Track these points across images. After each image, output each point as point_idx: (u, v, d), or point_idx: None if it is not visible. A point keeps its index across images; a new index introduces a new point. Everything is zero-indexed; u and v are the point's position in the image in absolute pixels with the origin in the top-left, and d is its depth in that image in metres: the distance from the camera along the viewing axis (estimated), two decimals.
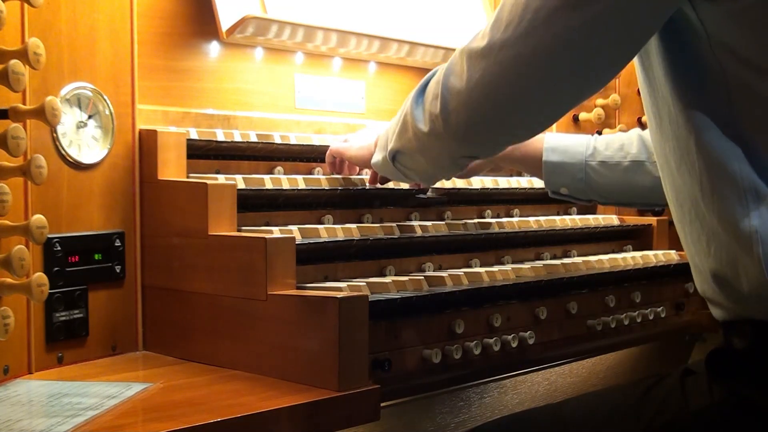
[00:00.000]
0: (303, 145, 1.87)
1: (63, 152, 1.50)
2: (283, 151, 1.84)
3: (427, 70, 2.30)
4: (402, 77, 2.27)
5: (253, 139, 1.79)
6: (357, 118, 2.14)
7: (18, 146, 1.24)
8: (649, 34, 1.27)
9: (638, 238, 2.29)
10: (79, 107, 1.54)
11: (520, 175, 2.23)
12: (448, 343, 1.52)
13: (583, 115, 2.48)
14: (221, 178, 1.63)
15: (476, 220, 1.99)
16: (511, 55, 1.29)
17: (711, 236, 1.28)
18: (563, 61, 1.27)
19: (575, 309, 1.76)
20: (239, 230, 1.55)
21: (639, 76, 1.39)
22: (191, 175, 1.64)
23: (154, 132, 1.60)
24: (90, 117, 1.56)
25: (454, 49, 2.20)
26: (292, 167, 1.85)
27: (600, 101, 2.47)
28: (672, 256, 2.15)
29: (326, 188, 1.78)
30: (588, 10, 1.21)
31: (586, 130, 2.46)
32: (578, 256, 2.09)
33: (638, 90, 2.44)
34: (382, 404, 1.36)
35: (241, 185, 1.63)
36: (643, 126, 2.45)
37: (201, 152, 1.69)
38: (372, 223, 1.79)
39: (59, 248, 1.48)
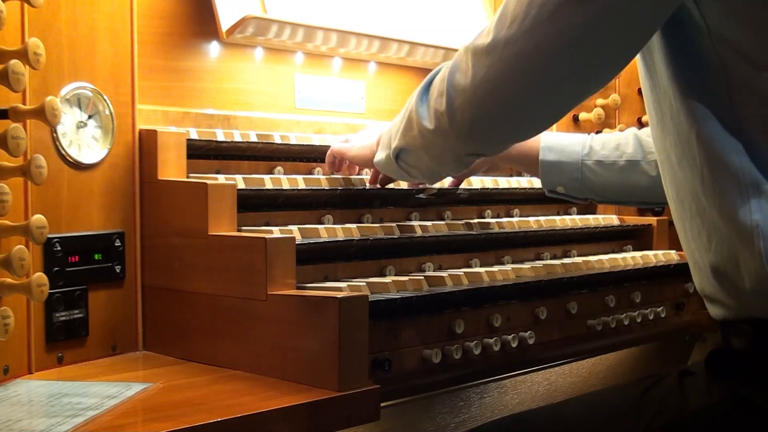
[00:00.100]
0: (303, 145, 1.87)
1: (63, 152, 1.50)
2: (283, 151, 1.84)
3: (427, 70, 2.30)
4: (402, 77, 2.27)
5: (253, 139, 1.79)
6: (357, 118, 2.14)
7: (18, 146, 1.24)
8: (652, 30, 1.27)
9: (638, 238, 2.29)
10: (79, 107, 1.54)
11: (520, 175, 2.23)
12: (448, 343, 1.52)
13: (583, 115, 2.48)
14: (221, 178, 1.63)
15: (476, 220, 1.99)
16: (515, 52, 1.29)
17: (712, 231, 1.28)
18: (567, 58, 1.27)
19: (575, 309, 1.76)
20: (239, 230, 1.55)
21: (641, 71, 1.39)
22: (191, 175, 1.64)
23: (154, 132, 1.60)
24: (90, 117, 1.56)
25: (454, 49, 2.22)
26: (292, 167, 1.85)
27: (600, 101, 2.47)
28: (672, 256, 2.15)
29: (326, 188, 1.78)
30: (592, 5, 1.21)
31: (586, 130, 2.46)
32: (578, 256, 2.09)
33: (638, 90, 2.45)
34: (382, 404, 1.36)
35: (241, 185, 1.63)
36: (642, 126, 2.45)
37: (201, 152, 1.69)
38: (372, 223, 1.79)
39: (59, 248, 1.48)
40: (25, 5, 1.35)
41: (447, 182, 1.95)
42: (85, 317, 1.52)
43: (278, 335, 1.39)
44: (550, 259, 2.03)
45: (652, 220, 2.31)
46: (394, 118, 1.64)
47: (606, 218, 2.26)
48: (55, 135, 1.50)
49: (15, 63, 1.25)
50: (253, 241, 1.43)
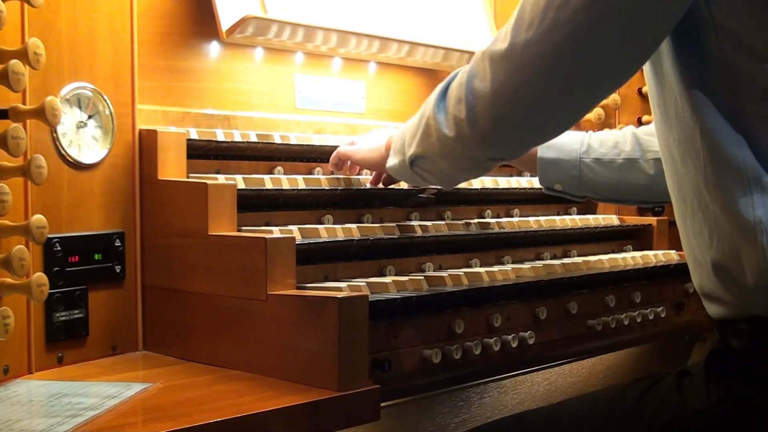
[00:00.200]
0: (303, 145, 1.87)
1: (63, 152, 1.50)
2: (283, 151, 1.84)
3: (428, 70, 2.32)
4: (402, 77, 2.27)
5: (253, 139, 1.79)
6: (357, 118, 2.14)
7: (18, 146, 1.24)
8: (669, 26, 1.26)
9: (638, 238, 2.29)
10: (79, 107, 1.54)
11: (520, 174, 2.23)
12: (448, 343, 1.52)
13: None
14: (221, 178, 1.63)
15: (476, 220, 1.99)
16: (533, 55, 1.29)
17: (713, 227, 1.28)
18: (586, 58, 1.28)
19: (575, 309, 1.76)
20: (239, 230, 1.55)
21: (646, 67, 1.40)
22: (191, 175, 1.64)
23: (154, 132, 1.60)
24: (90, 117, 1.56)
25: (454, 49, 2.23)
26: (292, 167, 1.85)
27: None
28: (672, 256, 2.15)
29: (326, 188, 1.78)
30: (609, 7, 1.22)
31: (587, 130, 2.45)
32: (578, 256, 2.09)
33: (639, 89, 2.45)
34: (382, 404, 1.36)
35: (241, 185, 1.63)
36: (642, 125, 2.45)
37: (201, 152, 1.69)
38: (372, 223, 1.79)
39: (59, 248, 1.48)
40: (25, 5, 1.35)
41: None
42: (85, 317, 1.52)
43: (278, 335, 1.39)
44: (550, 259, 2.03)
45: (652, 220, 2.31)
46: (406, 122, 1.64)
47: (606, 218, 2.26)
48: (55, 135, 1.50)
49: (15, 63, 1.25)
50: (253, 241, 1.43)
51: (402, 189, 1.89)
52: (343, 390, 1.30)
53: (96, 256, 1.55)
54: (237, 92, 1.93)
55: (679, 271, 2.01)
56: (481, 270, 1.72)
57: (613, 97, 2.46)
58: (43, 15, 1.46)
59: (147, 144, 1.61)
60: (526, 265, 1.82)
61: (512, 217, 2.14)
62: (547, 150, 1.85)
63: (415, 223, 1.83)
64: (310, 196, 1.74)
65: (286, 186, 1.71)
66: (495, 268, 1.76)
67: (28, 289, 1.28)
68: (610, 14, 1.24)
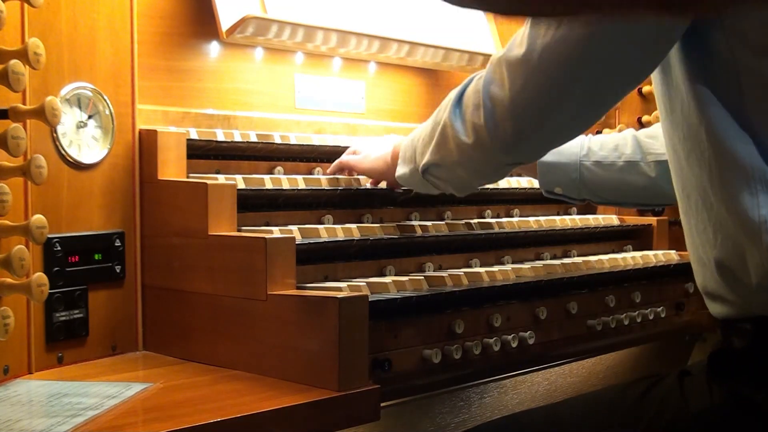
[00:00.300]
0: (303, 145, 1.87)
1: (63, 152, 1.50)
2: (283, 151, 1.84)
3: (427, 71, 2.32)
4: (402, 77, 2.27)
5: (253, 139, 1.79)
6: (357, 118, 2.14)
7: (18, 146, 1.24)
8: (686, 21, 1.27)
9: (638, 238, 2.29)
10: (79, 107, 1.54)
11: (519, 174, 2.23)
12: (448, 343, 1.52)
13: None
14: (221, 178, 1.63)
15: (476, 220, 1.98)
16: (551, 59, 1.30)
17: (718, 226, 1.28)
18: (604, 59, 1.29)
19: (575, 309, 1.76)
20: (239, 230, 1.55)
21: None
22: (191, 175, 1.64)
23: (154, 132, 1.60)
24: (90, 117, 1.56)
25: (454, 49, 2.23)
26: (292, 167, 1.85)
27: None
28: (672, 256, 2.15)
29: (326, 188, 1.78)
30: None
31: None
32: (578, 256, 2.09)
33: (639, 90, 2.45)
34: (382, 404, 1.36)
35: (241, 185, 1.63)
36: (642, 126, 2.45)
37: (201, 152, 1.69)
38: (372, 223, 1.79)
39: (59, 248, 1.48)
40: (25, 5, 1.35)
41: None
42: (85, 317, 1.52)
43: (278, 335, 1.39)
44: (550, 259, 2.03)
45: (652, 220, 2.31)
46: (414, 131, 1.64)
47: (606, 218, 2.26)
48: (55, 135, 1.50)
49: (15, 63, 1.25)
50: (253, 241, 1.43)
51: (402, 189, 1.88)
52: (343, 390, 1.30)
53: (96, 256, 1.54)
54: (237, 92, 1.93)
55: (679, 271, 2.01)
56: (481, 270, 1.72)
57: None
58: (43, 15, 1.46)
59: (147, 144, 1.61)
60: (526, 265, 1.82)
61: (512, 217, 2.14)
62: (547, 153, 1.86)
63: (415, 223, 1.83)
64: (310, 196, 1.74)
65: (286, 186, 1.71)
66: (495, 268, 1.76)
67: (28, 289, 1.28)
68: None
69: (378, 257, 1.69)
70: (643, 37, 1.27)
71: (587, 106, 1.37)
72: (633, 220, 2.32)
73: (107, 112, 1.58)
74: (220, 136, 1.74)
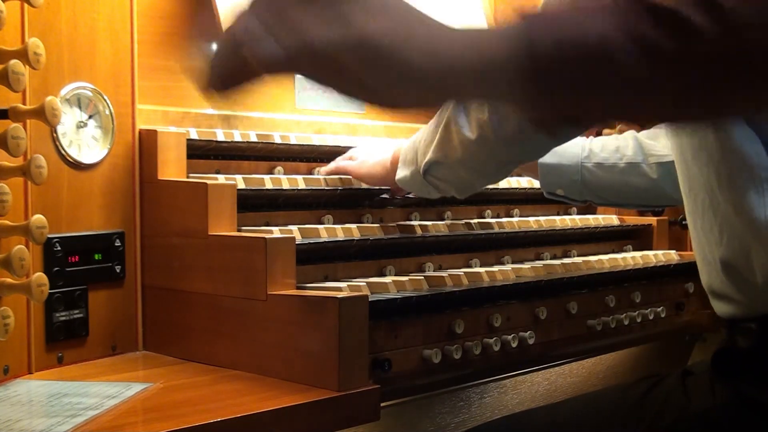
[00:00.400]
0: (303, 145, 1.87)
1: (63, 152, 1.50)
2: (283, 151, 1.84)
3: None
4: None
5: (253, 139, 1.79)
6: (357, 118, 2.14)
7: (18, 146, 1.24)
8: None
9: (638, 238, 2.29)
10: (79, 107, 1.54)
11: (519, 174, 2.23)
12: (448, 343, 1.52)
13: None
14: (221, 178, 1.63)
15: (476, 220, 1.98)
16: None
17: (724, 226, 1.28)
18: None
19: (575, 309, 1.76)
20: (239, 230, 1.55)
21: None
22: (191, 175, 1.64)
23: (154, 132, 1.60)
24: (90, 117, 1.56)
25: None
26: (292, 167, 1.85)
27: None
28: (672, 256, 2.15)
29: (326, 188, 1.78)
30: None
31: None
32: (578, 256, 2.09)
33: None
34: (382, 404, 1.36)
35: (241, 185, 1.63)
36: (642, 125, 2.44)
37: (201, 152, 1.69)
38: (372, 223, 1.79)
39: (59, 248, 1.48)
40: (25, 5, 1.35)
41: None
42: (85, 317, 1.52)
43: (278, 335, 1.39)
44: (550, 259, 2.03)
45: (652, 220, 2.31)
46: (416, 134, 1.64)
47: (606, 218, 2.26)
48: (55, 135, 1.50)
49: (15, 63, 1.25)
50: (253, 241, 1.43)
51: None
52: (343, 390, 1.30)
53: (96, 256, 1.54)
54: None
55: (679, 271, 2.01)
56: (481, 270, 1.72)
57: None
58: (43, 15, 1.46)
59: (147, 144, 1.61)
60: (526, 265, 1.82)
61: (512, 217, 2.14)
62: (548, 155, 1.85)
63: (415, 223, 1.83)
64: (310, 196, 1.74)
65: (286, 186, 1.71)
66: (495, 268, 1.76)
67: (28, 289, 1.28)
68: None
69: (378, 257, 1.69)
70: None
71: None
72: (633, 220, 2.33)
73: (107, 112, 1.58)
74: (220, 136, 1.74)
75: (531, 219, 2.09)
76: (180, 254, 1.55)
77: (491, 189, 2.08)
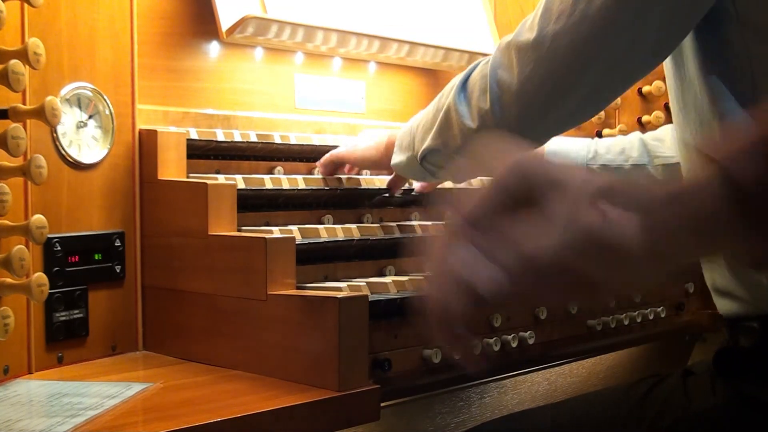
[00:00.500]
0: (303, 145, 1.87)
1: (63, 152, 1.50)
2: (283, 151, 1.84)
3: (427, 70, 2.32)
4: (402, 77, 2.27)
5: (253, 139, 1.79)
6: (357, 118, 2.14)
7: (18, 146, 1.24)
8: (700, 12, 1.26)
9: None
10: (79, 107, 1.54)
11: None
12: None
13: None
14: (221, 178, 1.63)
15: None
16: (563, 45, 1.29)
17: None
18: (616, 48, 1.28)
19: (575, 309, 1.76)
20: (239, 230, 1.55)
21: (667, 60, 1.39)
22: (191, 175, 1.64)
23: (154, 132, 1.60)
24: (90, 117, 1.56)
25: (454, 49, 2.23)
26: (292, 167, 1.85)
27: None
28: None
29: (326, 188, 1.78)
30: None
31: (586, 130, 2.46)
32: None
33: (639, 90, 2.45)
34: (382, 404, 1.36)
35: (241, 185, 1.63)
36: (643, 126, 2.45)
37: (201, 152, 1.69)
38: (372, 223, 1.79)
39: (59, 248, 1.48)
40: (25, 5, 1.35)
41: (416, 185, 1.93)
42: (85, 317, 1.52)
43: (278, 335, 1.38)
44: None
45: None
46: (413, 118, 1.63)
47: None
48: (55, 135, 1.50)
49: (15, 63, 1.25)
50: (253, 241, 1.43)
51: (402, 188, 1.89)
52: (343, 390, 1.30)
53: (96, 256, 1.54)
54: (237, 92, 1.93)
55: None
56: None
57: None
58: (43, 15, 1.46)
59: (147, 144, 1.61)
60: None
61: None
62: (553, 157, 1.85)
63: (415, 223, 1.83)
64: (310, 196, 1.74)
65: (286, 186, 1.71)
66: None
67: (28, 289, 1.28)
68: (640, 5, 1.23)
69: (378, 257, 1.69)
70: (656, 27, 1.26)
71: (595, 94, 1.36)
72: None
73: (107, 112, 1.58)
74: (220, 136, 1.74)
75: None
76: (180, 254, 1.55)
77: None
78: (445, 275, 0.88)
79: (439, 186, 1.94)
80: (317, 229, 1.62)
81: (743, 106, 1.24)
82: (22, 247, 1.26)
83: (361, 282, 1.51)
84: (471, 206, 0.83)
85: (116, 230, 1.58)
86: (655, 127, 2.37)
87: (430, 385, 1.56)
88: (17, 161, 1.29)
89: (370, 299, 1.37)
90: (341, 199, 1.80)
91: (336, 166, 1.83)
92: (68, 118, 1.52)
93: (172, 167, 1.61)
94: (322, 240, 1.59)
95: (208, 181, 1.52)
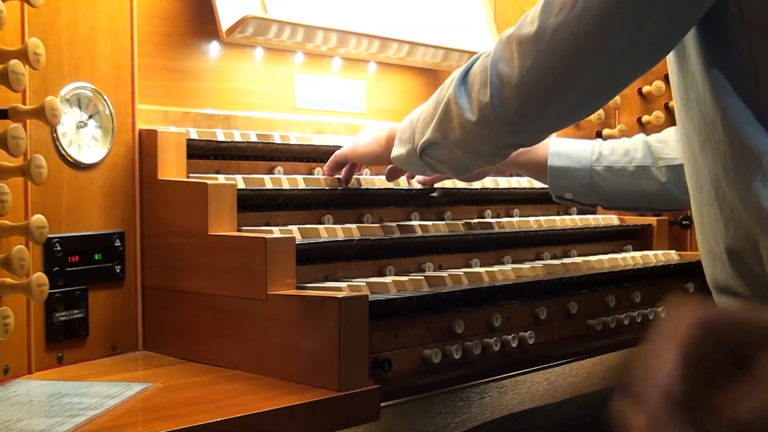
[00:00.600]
0: (303, 145, 1.87)
1: (63, 152, 1.50)
2: (283, 151, 1.84)
3: (428, 70, 2.32)
4: (402, 77, 2.27)
5: (253, 139, 1.79)
6: (357, 118, 2.14)
7: (18, 146, 1.24)
8: (704, 8, 1.26)
9: (638, 238, 2.29)
10: (79, 107, 1.54)
11: (519, 175, 2.23)
12: (448, 343, 1.52)
13: None
14: (221, 178, 1.63)
15: (476, 220, 1.98)
16: (564, 38, 1.29)
17: (730, 217, 1.28)
18: (618, 42, 1.27)
19: (575, 309, 1.76)
20: (239, 230, 1.55)
21: (670, 54, 1.39)
22: (191, 175, 1.64)
23: (154, 132, 1.60)
24: (90, 117, 1.56)
25: (454, 49, 2.23)
26: (292, 167, 1.85)
27: None
28: (672, 256, 2.15)
29: (326, 188, 1.78)
30: None
31: (586, 130, 2.46)
32: (578, 256, 2.09)
33: (638, 90, 2.45)
34: (382, 404, 1.36)
35: (241, 185, 1.63)
36: (643, 126, 2.45)
37: (201, 152, 1.69)
38: (372, 223, 1.79)
39: (59, 248, 1.48)
40: (25, 5, 1.35)
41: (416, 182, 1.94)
42: (85, 317, 1.52)
43: (278, 335, 1.39)
44: (550, 259, 2.03)
45: (652, 220, 2.31)
46: (413, 112, 1.63)
47: (606, 218, 2.26)
48: (55, 135, 1.50)
49: (15, 63, 1.25)
50: (253, 241, 1.43)
51: (402, 189, 1.89)
52: (343, 390, 1.30)
53: (96, 256, 1.55)
54: (237, 92, 1.93)
55: (679, 271, 2.01)
56: (481, 270, 1.72)
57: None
58: (43, 15, 1.46)
59: (147, 144, 1.61)
60: (526, 265, 1.82)
61: (512, 217, 2.14)
62: (557, 159, 1.85)
63: (415, 223, 1.83)
64: (310, 196, 1.74)
65: (286, 186, 1.71)
66: (495, 268, 1.76)
67: (28, 289, 1.28)
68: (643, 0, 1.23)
69: (378, 257, 1.69)
70: (658, 22, 1.26)
71: (596, 89, 1.35)
72: (633, 220, 2.32)
73: (107, 112, 1.58)
74: (220, 136, 1.74)
75: (531, 219, 2.09)
76: (180, 254, 1.55)
77: (491, 189, 2.08)
78: None
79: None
80: (317, 229, 1.62)
81: (746, 103, 1.24)
82: (22, 247, 1.26)
83: (361, 282, 1.51)
84: (667, 383, 0.73)
85: (116, 230, 1.58)
86: (656, 127, 2.38)
87: (430, 385, 1.56)
88: (17, 161, 1.29)
89: (370, 299, 1.37)
90: (341, 199, 1.80)
91: (341, 165, 1.83)
92: (68, 118, 1.52)
93: (172, 167, 1.61)
94: (322, 240, 1.59)
95: (208, 181, 1.53)
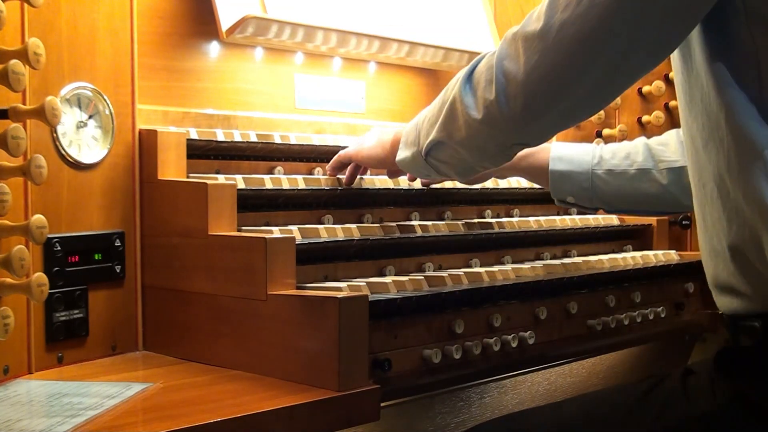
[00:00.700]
0: (303, 145, 1.87)
1: (63, 152, 1.50)
2: (283, 151, 1.84)
3: (427, 70, 2.32)
4: (402, 77, 2.27)
5: (253, 139, 1.79)
6: (357, 118, 2.14)
7: (18, 146, 1.24)
8: (709, 4, 1.26)
9: (638, 238, 2.29)
10: (79, 107, 1.54)
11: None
12: (448, 343, 1.52)
13: None
14: (221, 178, 1.63)
15: (476, 220, 1.98)
16: (569, 35, 1.28)
17: (733, 214, 1.28)
18: (623, 39, 1.27)
19: (575, 309, 1.76)
20: (239, 230, 1.55)
21: (674, 55, 1.39)
22: (191, 175, 1.64)
23: (154, 132, 1.60)
24: (90, 117, 1.56)
25: (454, 49, 2.23)
26: (292, 167, 1.85)
27: None
28: (672, 256, 2.15)
29: (326, 188, 1.78)
30: None
31: (587, 130, 2.46)
32: (578, 256, 2.09)
33: (638, 90, 2.45)
34: (382, 404, 1.36)
35: (241, 185, 1.63)
36: (643, 126, 2.45)
37: (201, 152, 1.69)
38: (372, 223, 1.79)
39: (59, 248, 1.48)
40: (25, 5, 1.35)
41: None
42: (85, 317, 1.52)
43: (278, 335, 1.39)
44: (550, 259, 2.03)
45: (652, 220, 2.31)
46: (418, 115, 1.63)
47: (606, 218, 2.26)
48: (55, 135, 1.50)
49: (15, 63, 1.25)
50: (253, 241, 1.43)
51: (402, 189, 1.89)
52: (343, 390, 1.30)
53: (96, 256, 1.55)
54: (237, 92, 1.93)
55: (679, 271, 2.01)
56: (481, 270, 1.72)
57: None
58: (43, 15, 1.46)
59: (147, 144, 1.61)
60: (526, 265, 1.82)
61: (512, 217, 2.14)
62: (558, 162, 1.85)
63: (415, 223, 1.83)
64: (310, 196, 1.74)
65: (286, 186, 1.71)
66: (495, 268, 1.76)
67: (28, 289, 1.28)
68: None
69: (378, 257, 1.69)
70: (664, 18, 1.26)
71: (601, 87, 1.35)
72: (633, 220, 2.32)
73: (107, 112, 1.58)
74: (220, 136, 1.74)
75: (531, 219, 2.09)
76: (180, 254, 1.55)
77: (491, 189, 2.08)
78: None
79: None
80: (317, 229, 1.62)
81: (750, 99, 1.24)
82: (22, 247, 1.26)
83: (361, 282, 1.51)
84: None
85: (116, 230, 1.58)
86: (656, 127, 2.38)
87: (430, 385, 1.56)
88: (17, 161, 1.29)
89: (370, 299, 1.37)
90: (341, 199, 1.80)
91: (344, 166, 1.83)
92: (68, 118, 1.52)
93: (172, 167, 1.61)
94: (322, 240, 1.59)
95: (208, 181, 1.53)
